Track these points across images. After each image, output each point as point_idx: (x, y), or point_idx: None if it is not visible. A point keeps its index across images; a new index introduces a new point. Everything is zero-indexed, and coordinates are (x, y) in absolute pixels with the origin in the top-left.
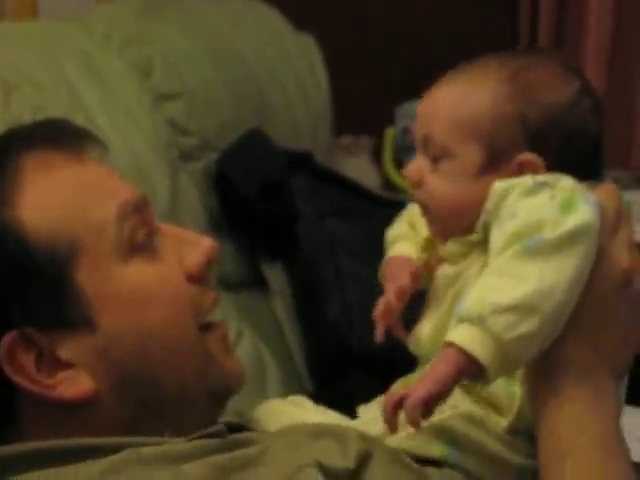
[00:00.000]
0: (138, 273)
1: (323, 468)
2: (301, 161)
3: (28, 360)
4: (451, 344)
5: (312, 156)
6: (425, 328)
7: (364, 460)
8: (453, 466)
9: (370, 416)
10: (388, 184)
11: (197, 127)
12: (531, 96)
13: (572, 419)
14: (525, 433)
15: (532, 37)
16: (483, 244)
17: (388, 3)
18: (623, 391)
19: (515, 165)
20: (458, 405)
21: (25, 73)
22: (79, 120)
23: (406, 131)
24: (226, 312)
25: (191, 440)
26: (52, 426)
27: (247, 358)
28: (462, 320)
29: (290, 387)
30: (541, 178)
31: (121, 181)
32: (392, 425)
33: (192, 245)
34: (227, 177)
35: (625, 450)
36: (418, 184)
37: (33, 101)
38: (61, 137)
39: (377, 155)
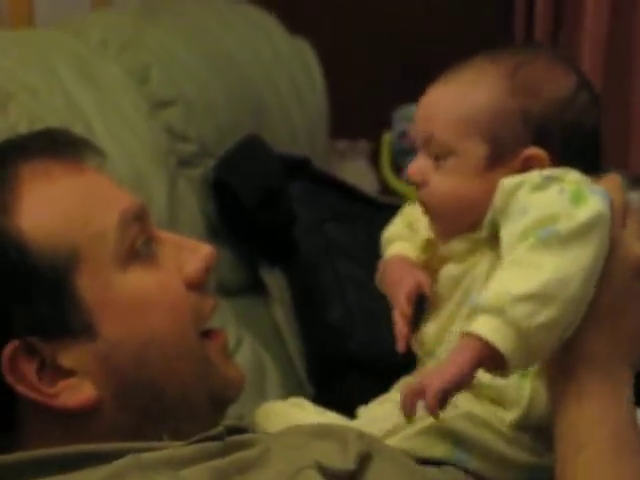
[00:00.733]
0: (138, 281)
1: (323, 469)
2: (299, 166)
3: (30, 369)
4: (470, 334)
5: (310, 161)
6: (430, 328)
7: (364, 461)
8: (454, 464)
9: (370, 417)
10: (386, 188)
11: (195, 133)
12: (532, 90)
13: (590, 413)
14: (530, 432)
15: (528, 36)
16: (489, 241)
17: (384, 6)
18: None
19: (521, 160)
20: (460, 404)
21: (22, 81)
22: (76, 128)
23: (403, 135)
24: (225, 318)
25: (191, 443)
26: (54, 433)
27: (247, 364)
28: (481, 311)
29: (290, 392)
30: (548, 172)
31: (120, 189)
32: (411, 413)
33: (191, 252)
34: (225, 183)
35: (638, 445)
36: (422, 184)
37: (30, 109)
38: (59, 146)
39: (374, 159)
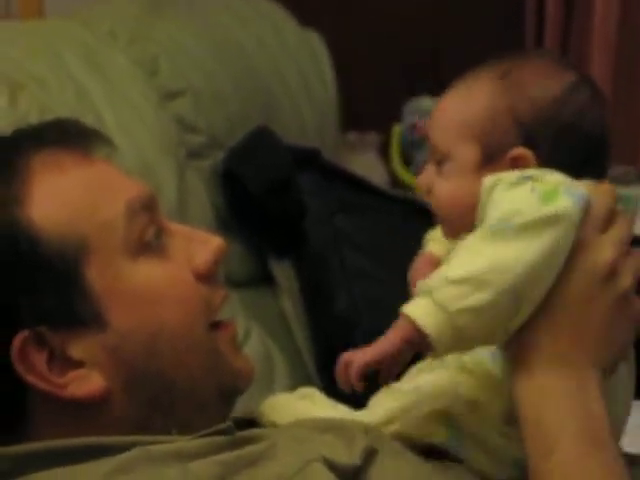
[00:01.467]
0: (147, 271)
1: (329, 463)
2: (309, 158)
3: (40, 359)
4: (403, 314)
5: (320, 153)
6: None
7: (369, 456)
8: (454, 459)
9: (373, 405)
10: (395, 180)
11: (204, 124)
12: (521, 92)
13: (556, 410)
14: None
15: (538, 34)
16: None
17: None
18: (631, 385)
19: (508, 160)
20: (461, 392)
21: (31, 72)
22: (86, 119)
23: (413, 127)
24: (234, 310)
25: (199, 437)
26: (63, 424)
27: (255, 355)
28: (417, 293)
29: (299, 383)
30: (528, 172)
31: (129, 179)
32: (344, 385)
33: (201, 244)
34: (234, 174)
35: (614, 444)
36: (428, 192)
37: (40, 100)
38: (69, 137)
39: (384, 151)
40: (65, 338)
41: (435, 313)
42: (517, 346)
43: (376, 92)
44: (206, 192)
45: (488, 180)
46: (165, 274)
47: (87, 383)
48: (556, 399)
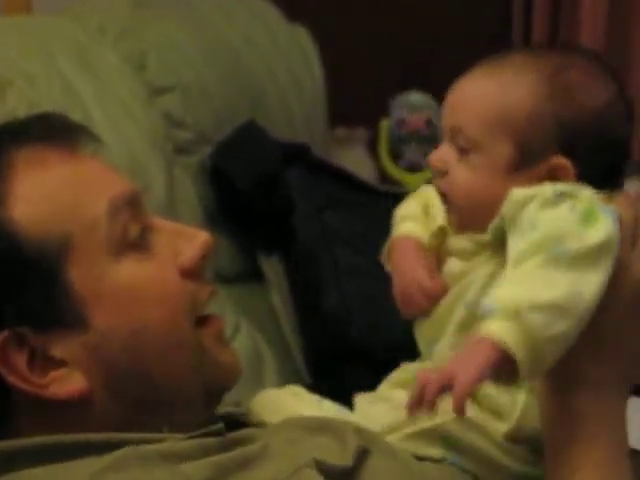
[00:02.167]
0: (131, 270)
1: (321, 466)
2: (297, 153)
3: (20, 359)
4: (485, 337)
5: (309, 148)
6: (425, 322)
7: (362, 456)
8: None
9: (362, 417)
10: (384, 176)
11: (192, 120)
12: (568, 98)
13: (585, 438)
14: (526, 442)
15: (526, 29)
16: (492, 247)
17: None
18: None
19: (546, 167)
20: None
21: (19, 68)
22: (74, 114)
23: (401, 122)
24: (223, 305)
25: (190, 438)
26: (46, 423)
27: (244, 351)
28: (495, 314)
29: (288, 379)
30: (560, 188)
31: (115, 175)
32: (430, 408)
33: (187, 239)
34: (222, 170)
35: (629, 467)
36: (442, 173)
37: (28, 96)
38: (54, 132)
39: (372, 147)
40: (46, 338)
41: (525, 340)
42: (559, 370)
43: (364, 87)
44: (194, 188)
45: (518, 193)
46: (149, 273)
47: (69, 383)
48: (587, 426)
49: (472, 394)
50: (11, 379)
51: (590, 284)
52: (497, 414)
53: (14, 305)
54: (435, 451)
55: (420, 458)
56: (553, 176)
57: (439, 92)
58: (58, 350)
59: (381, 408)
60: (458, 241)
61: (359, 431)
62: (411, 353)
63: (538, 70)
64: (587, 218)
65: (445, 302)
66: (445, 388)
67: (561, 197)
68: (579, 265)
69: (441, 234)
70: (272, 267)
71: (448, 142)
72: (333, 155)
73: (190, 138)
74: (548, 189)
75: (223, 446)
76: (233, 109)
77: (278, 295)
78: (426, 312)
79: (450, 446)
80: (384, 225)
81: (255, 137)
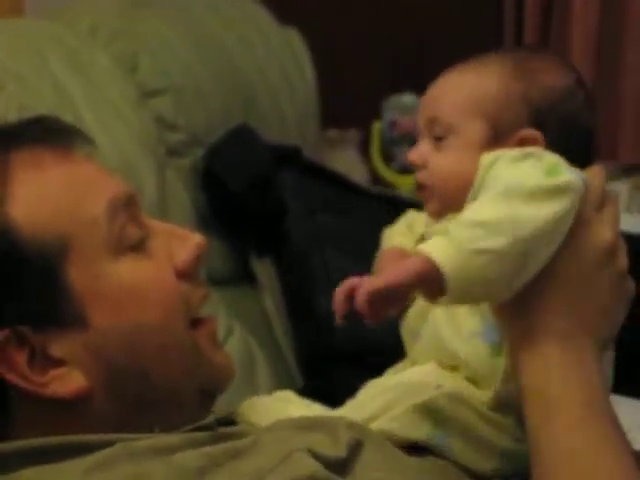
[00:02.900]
0: (129, 270)
1: (314, 454)
2: (289, 156)
3: (20, 358)
4: (416, 253)
5: (300, 151)
6: (413, 308)
7: (355, 449)
8: (437, 454)
9: (354, 402)
10: (376, 178)
11: (184, 122)
12: (534, 78)
13: (559, 380)
14: (512, 415)
15: (517, 31)
16: None
17: None
18: (610, 370)
19: (517, 140)
20: (443, 385)
21: (10, 70)
22: (66, 117)
23: (393, 124)
24: (215, 308)
25: (181, 433)
26: (45, 422)
27: (237, 354)
28: (433, 235)
29: (280, 382)
30: (528, 150)
31: (109, 177)
32: (340, 313)
33: (181, 241)
34: (214, 173)
35: (613, 412)
36: (422, 166)
37: (19, 98)
38: (50, 134)
39: (365, 149)
40: (46, 337)
41: (451, 250)
42: (520, 318)
43: (356, 89)
44: (186, 190)
45: (487, 156)
46: (146, 273)
47: (68, 382)
48: (559, 369)
49: (453, 365)
50: (11, 378)
51: (534, 215)
52: (479, 383)
53: (14, 304)
54: (423, 430)
55: (406, 449)
56: (522, 147)
57: None
58: (58, 349)
59: (370, 395)
60: (438, 226)
61: (351, 425)
62: (402, 356)
63: (505, 60)
64: (550, 171)
65: None
66: (350, 294)
67: (527, 156)
68: (532, 200)
69: (423, 240)
70: (264, 269)
71: (424, 136)
72: (325, 157)
73: (182, 140)
74: (515, 150)
75: (214, 439)
76: (225, 111)
77: (270, 298)
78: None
79: (437, 423)
80: (376, 227)
81: (247, 140)
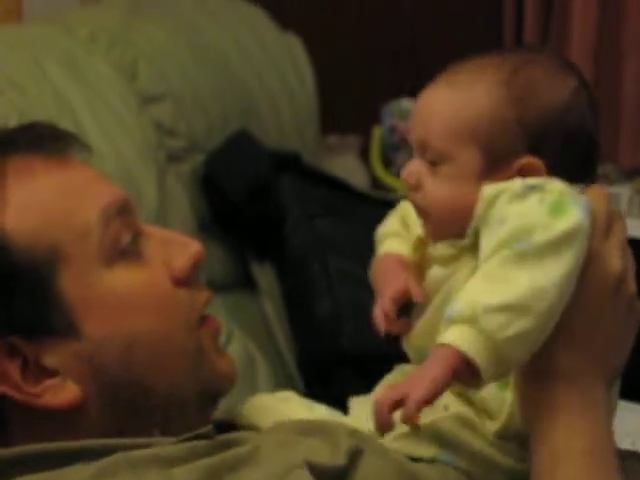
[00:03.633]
0: (123, 278)
1: (313, 467)
2: (289, 161)
3: (13, 369)
4: (444, 345)
5: (300, 156)
6: (416, 327)
7: (354, 456)
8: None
9: (361, 414)
10: (376, 183)
11: (184, 128)
12: (529, 99)
13: (565, 427)
14: (516, 439)
15: (517, 33)
16: (473, 249)
17: (373, 2)
18: (617, 391)
19: (515, 169)
20: (449, 406)
21: (10, 77)
22: (65, 123)
23: (393, 129)
24: (215, 313)
25: (180, 442)
26: (40, 431)
27: (237, 359)
28: (454, 322)
29: (281, 386)
30: (530, 182)
31: (106, 184)
32: (386, 427)
33: (178, 247)
34: (214, 179)
35: (615, 460)
36: (416, 187)
37: (18, 105)
38: (44, 141)
39: (364, 154)
40: (39, 347)
41: (483, 343)
42: (530, 362)
43: (356, 95)
44: (186, 196)
45: (489, 190)
46: (141, 280)
47: (62, 392)
48: (566, 415)
49: (462, 393)
50: (4, 388)
51: (555, 275)
52: (487, 413)
53: (5, 314)
54: (428, 450)
55: (413, 459)
56: (524, 176)
57: None
58: (50, 359)
59: (369, 405)
60: (438, 249)
61: (352, 432)
62: (403, 359)
63: (495, 74)
64: (556, 209)
65: (430, 309)
66: (398, 406)
67: (530, 190)
68: (544, 257)
69: (421, 244)
70: (264, 275)
71: (419, 156)
72: (325, 162)
73: (182, 146)
74: (517, 183)
75: (213, 449)
76: (225, 117)
77: (270, 303)
78: (403, 331)
79: (443, 444)
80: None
81: (246, 145)
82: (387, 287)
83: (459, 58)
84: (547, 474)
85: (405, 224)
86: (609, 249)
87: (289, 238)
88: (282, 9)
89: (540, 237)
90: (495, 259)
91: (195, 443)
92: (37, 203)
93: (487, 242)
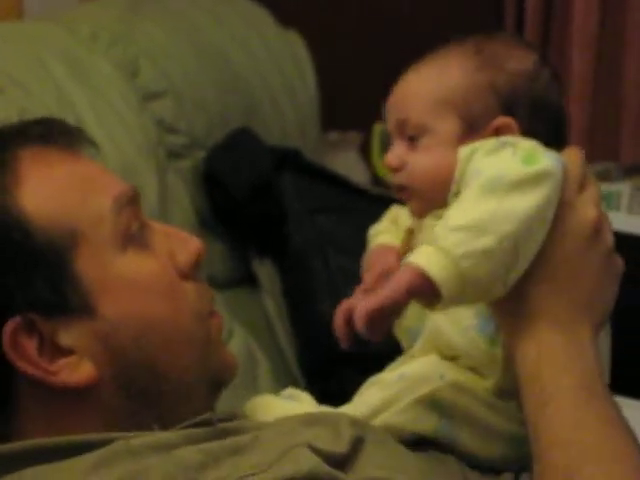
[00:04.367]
0: (135, 263)
1: (315, 450)
2: (290, 158)
3: (31, 346)
4: (406, 264)
5: (301, 153)
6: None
7: (357, 445)
8: (442, 446)
9: (359, 397)
10: (377, 179)
11: (185, 125)
12: (498, 65)
13: (552, 364)
14: (515, 400)
15: (518, 28)
16: None
17: (373, 2)
18: (607, 353)
19: (491, 130)
20: (445, 375)
21: (11, 75)
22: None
23: None
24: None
25: (180, 429)
26: (50, 411)
27: (238, 356)
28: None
29: (282, 385)
30: (503, 138)
31: (114, 177)
32: (343, 337)
33: (180, 242)
34: (215, 175)
35: (608, 394)
36: (399, 168)
37: (20, 103)
38: (56, 135)
39: (365, 151)
40: (55, 325)
41: (440, 259)
42: (514, 307)
43: (357, 91)
44: (187, 193)
45: (465, 149)
46: (152, 266)
47: (78, 370)
48: (553, 354)
49: (454, 356)
50: (21, 364)
51: (517, 207)
52: (480, 372)
53: (24, 292)
54: (429, 422)
55: (411, 446)
56: (498, 136)
57: None
58: (67, 338)
59: (372, 390)
60: (424, 222)
61: (354, 422)
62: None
63: (463, 50)
64: (528, 158)
65: None
66: (347, 316)
67: (503, 145)
68: (512, 191)
69: (408, 235)
70: (265, 272)
71: (397, 139)
72: (326, 159)
73: (183, 143)
74: (491, 140)
75: (213, 435)
76: (226, 114)
77: (272, 299)
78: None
79: (442, 413)
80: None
81: (247, 142)
82: (372, 270)
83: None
84: (539, 412)
85: (395, 223)
86: (583, 200)
87: (290, 235)
88: (283, 6)
89: (511, 177)
90: (466, 192)
91: (196, 430)
92: (53, 190)
93: (465, 193)
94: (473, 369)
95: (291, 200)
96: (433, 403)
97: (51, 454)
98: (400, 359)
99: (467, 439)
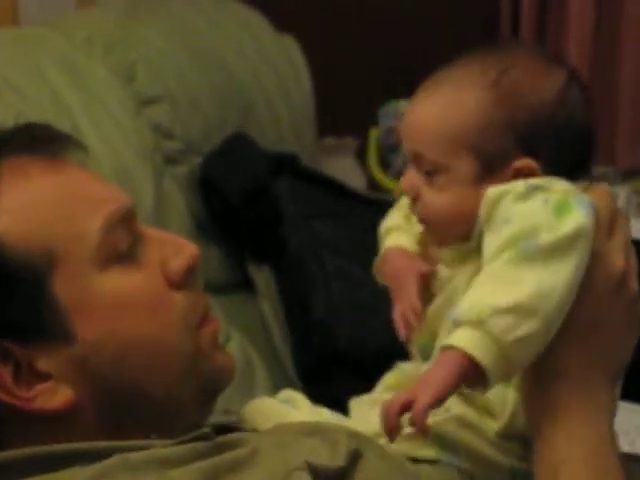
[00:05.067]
0: (117, 281)
1: (313, 468)
2: (286, 163)
3: (5, 373)
4: (450, 347)
5: (297, 158)
6: (416, 329)
7: (355, 458)
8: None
9: (363, 415)
10: (373, 184)
11: (181, 131)
12: (517, 100)
13: (566, 430)
14: (518, 438)
15: (514, 31)
16: (478, 250)
17: (369, 3)
18: (618, 392)
19: (511, 171)
20: (451, 408)
21: (7, 80)
22: (63, 126)
23: (390, 131)
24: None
25: (179, 443)
26: (34, 434)
27: (235, 361)
28: (460, 324)
29: (279, 387)
30: (534, 182)
31: (106, 187)
32: (394, 432)
33: (175, 249)
34: (211, 181)
35: (618, 463)
36: (415, 198)
37: (16, 108)
38: (39, 143)
39: (361, 156)
40: (32, 351)
41: (490, 346)
42: (534, 366)
43: (353, 97)
44: (183, 198)
45: (493, 191)
46: (134, 283)
47: (55, 396)
48: (568, 421)
49: (462, 393)
50: None
51: (561, 276)
52: (489, 412)
53: None
54: (430, 452)
55: (416, 460)
56: (520, 178)
57: None
58: (44, 363)
59: (376, 412)
60: (442, 252)
61: (352, 434)
62: (400, 359)
63: (480, 78)
64: (560, 209)
65: (434, 308)
66: (405, 410)
67: (534, 190)
68: (550, 257)
69: (424, 238)
70: (262, 276)
71: (414, 167)
72: (322, 164)
73: (179, 148)
74: (521, 184)
75: (212, 450)
76: (222, 119)
77: (268, 304)
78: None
79: (444, 446)
80: (373, 233)
81: (244, 147)
82: (404, 284)
83: (456, 57)
84: (549, 474)
85: (408, 219)
86: (612, 248)
87: (286, 239)
88: (279, 11)
89: (546, 238)
90: (501, 259)
91: (194, 445)
92: (30, 206)
93: (492, 242)
94: (482, 407)
95: (287, 205)
96: (435, 435)
97: (45, 463)
98: (409, 367)
99: (469, 468)
